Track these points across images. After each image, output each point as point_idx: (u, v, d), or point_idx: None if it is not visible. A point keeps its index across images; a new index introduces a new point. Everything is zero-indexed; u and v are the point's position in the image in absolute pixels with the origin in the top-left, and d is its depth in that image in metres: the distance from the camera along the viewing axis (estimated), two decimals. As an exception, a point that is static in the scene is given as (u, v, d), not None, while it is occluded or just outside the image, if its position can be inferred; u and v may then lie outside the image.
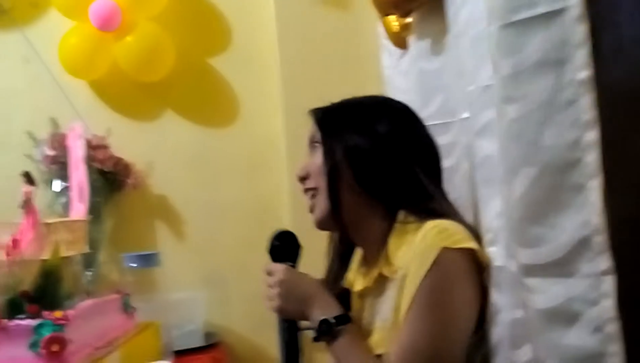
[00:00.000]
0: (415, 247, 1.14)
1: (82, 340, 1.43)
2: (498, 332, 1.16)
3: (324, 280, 1.36)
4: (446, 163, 1.50)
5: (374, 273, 1.25)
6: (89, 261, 2.08)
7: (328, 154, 1.26)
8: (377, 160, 1.24)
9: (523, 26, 0.95)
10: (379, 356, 1.18)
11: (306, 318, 1.24)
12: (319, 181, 1.28)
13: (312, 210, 1.31)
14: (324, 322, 1.19)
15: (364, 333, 1.25)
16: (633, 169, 0.98)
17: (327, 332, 1.19)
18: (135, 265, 1.96)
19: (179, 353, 1.97)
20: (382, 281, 1.23)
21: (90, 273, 2.08)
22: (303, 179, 1.32)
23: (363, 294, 1.30)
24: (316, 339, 1.21)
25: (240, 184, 2.42)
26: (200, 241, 2.39)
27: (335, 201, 1.24)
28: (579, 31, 0.90)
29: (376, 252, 1.25)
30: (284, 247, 1.31)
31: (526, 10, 0.94)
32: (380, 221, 1.24)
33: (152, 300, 1.98)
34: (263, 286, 1.28)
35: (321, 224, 1.30)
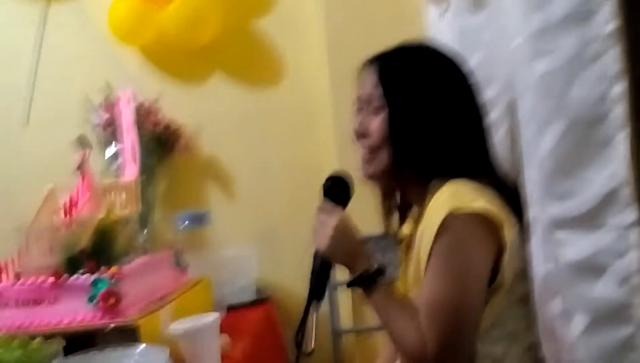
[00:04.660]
0: (429, 209, 1.19)
1: (136, 294, 1.50)
2: (535, 284, 1.18)
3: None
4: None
5: (413, 227, 1.31)
6: (143, 220, 2.16)
7: (394, 115, 1.27)
8: (434, 124, 1.26)
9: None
10: None
11: (347, 266, 1.28)
12: (379, 140, 1.28)
13: (368, 162, 1.32)
14: (366, 272, 1.24)
15: (406, 281, 1.31)
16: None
17: (368, 283, 1.24)
18: (187, 223, 2.02)
19: (231, 308, 2.03)
20: (415, 236, 1.27)
21: (145, 231, 2.17)
22: (361, 135, 1.32)
23: (408, 245, 1.35)
24: (351, 284, 1.26)
25: (288, 143, 2.46)
26: (250, 199, 2.45)
27: (400, 161, 1.27)
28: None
29: (418, 209, 1.31)
30: (339, 190, 1.33)
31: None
32: (424, 180, 1.27)
33: (204, 257, 2.05)
34: (314, 220, 1.31)
35: (375, 178, 1.33)
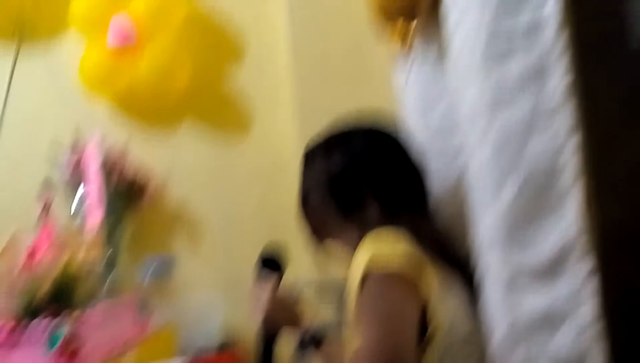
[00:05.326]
0: (353, 264, 1.25)
1: (97, 341, 1.47)
2: (497, 334, 1.18)
3: None
4: (455, 165, 1.52)
5: None
6: (110, 264, 2.13)
7: (300, 184, 1.47)
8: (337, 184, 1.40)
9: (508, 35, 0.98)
10: None
11: (292, 327, 1.35)
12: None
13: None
14: (303, 337, 1.30)
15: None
16: (619, 170, 1.00)
17: (312, 339, 1.29)
18: (152, 268, 2.00)
19: (197, 354, 2.01)
20: None
21: (111, 276, 2.13)
22: None
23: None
24: (302, 347, 1.31)
25: (257, 193, 2.44)
26: (217, 246, 2.42)
27: (310, 226, 1.45)
28: (560, 39, 0.93)
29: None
30: (274, 261, 1.47)
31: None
32: (353, 235, 1.34)
33: (170, 303, 2.02)
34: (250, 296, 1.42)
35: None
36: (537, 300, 0.98)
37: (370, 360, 1.16)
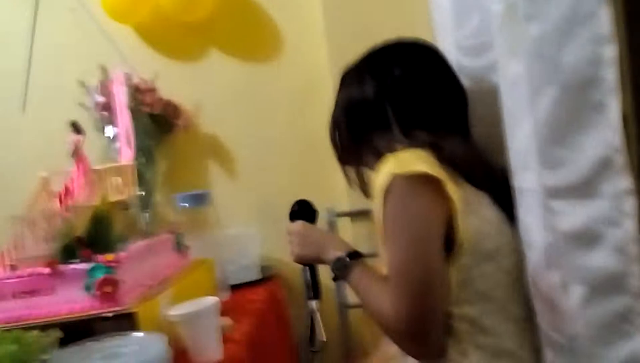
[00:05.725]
0: (376, 179, 1.22)
1: (134, 280, 1.47)
2: (533, 255, 1.15)
3: None
4: (484, 85, 1.46)
5: None
6: (144, 203, 2.14)
7: (333, 109, 1.46)
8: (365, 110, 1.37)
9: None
10: None
11: (323, 262, 1.38)
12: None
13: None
14: (337, 259, 1.32)
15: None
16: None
17: (341, 268, 1.31)
18: (187, 204, 2.00)
19: (235, 287, 2.03)
20: None
21: (147, 214, 2.14)
22: None
23: None
24: (335, 278, 1.34)
25: (289, 119, 2.42)
26: (251, 177, 2.43)
27: (338, 150, 1.46)
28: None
29: None
30: (302, 211, 1.50)
31: None
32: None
33: (206, 238, 2.03)
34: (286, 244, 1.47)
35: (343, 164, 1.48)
36: (572, 219, 0.94)
37: (396, 284, 1.17)
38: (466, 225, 1.19)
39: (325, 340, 1.44)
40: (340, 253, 1.33)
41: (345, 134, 1.43)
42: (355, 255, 1.32)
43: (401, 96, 1.35)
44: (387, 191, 1.18)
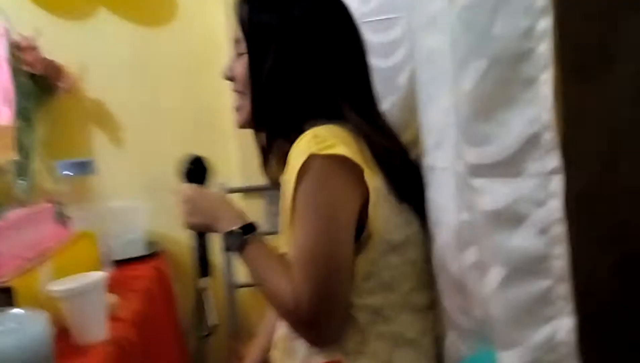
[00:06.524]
0: (290, 156, 1.15)
1: (10, 251, 1.35)
2: (443, 235, 1.13)
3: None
4: (389, 61, 1.43)
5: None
6: (21, 169, 1.98)
7: (251, 58, 1.25)
8: (292, 67, 1.22)
9: None
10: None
11: (214, 231, 1.28)
12: (242, 86, 1.28)
13: (237, 110, 1.32)
14: (229, 233, 1.23)
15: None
16: (588, 59, 0.93)
17: (235, 241, 1.22)
18: (69, 172, 1.86)
19: (119, 263, 1.92)
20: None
21: (23, 182, 1.98)
22: (230, 79, 1.31)
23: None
24: (227, 249, 1.25)
25: (182, 86, 2.31)
26: (139, 146, 2.30)
27: (257, 105, 1.26)
28: None
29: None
30: (195, 170, 1.37)
31: None
32: (293, 128, 1.22)
33: (89, 209, 1.90)
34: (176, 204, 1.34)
35: (246, 126, 1.32)
36: (495, 198, 0.91)
37: (300, 268, 1.12)
38: (377, 216, 1.15)
39: (217, 323, 1.37)
40: (233, 224, 1.24)
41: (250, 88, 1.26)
42: (250, 228, 1.24)
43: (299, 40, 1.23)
44: (303, 170, 1.11)
